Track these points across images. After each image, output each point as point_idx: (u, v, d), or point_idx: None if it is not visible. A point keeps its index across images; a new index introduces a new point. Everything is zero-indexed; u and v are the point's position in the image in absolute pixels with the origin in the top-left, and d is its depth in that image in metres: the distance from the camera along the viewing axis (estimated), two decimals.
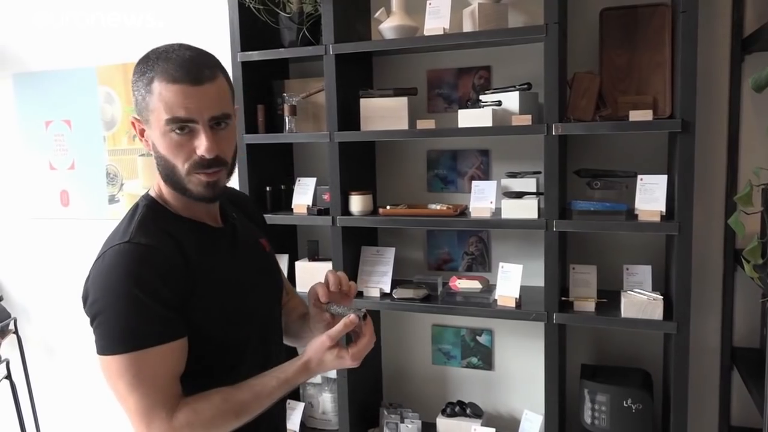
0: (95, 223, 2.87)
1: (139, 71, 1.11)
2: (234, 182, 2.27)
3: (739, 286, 1.98)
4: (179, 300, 1.09)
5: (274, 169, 2.37)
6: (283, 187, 2.33)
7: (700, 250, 2.00)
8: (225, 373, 1.16)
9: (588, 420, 1.92)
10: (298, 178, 2.28)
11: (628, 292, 1.88)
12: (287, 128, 2.18)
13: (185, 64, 1.07)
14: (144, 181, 2.75)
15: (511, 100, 1.96)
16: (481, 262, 2.29)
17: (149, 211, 1.16)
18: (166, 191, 1.17)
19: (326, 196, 2.16)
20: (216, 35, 2.41)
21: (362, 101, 2.08)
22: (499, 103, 1.94)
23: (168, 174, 1.12)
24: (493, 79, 2.19)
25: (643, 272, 1.95)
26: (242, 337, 1.21)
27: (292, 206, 2.24)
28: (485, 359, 2.34)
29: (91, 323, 1.08)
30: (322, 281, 1.29)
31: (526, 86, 1.99)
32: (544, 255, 1.89)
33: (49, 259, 3.03)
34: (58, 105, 2.85)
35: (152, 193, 1.20)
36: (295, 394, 2.43)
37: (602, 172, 1.94)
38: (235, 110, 1.18)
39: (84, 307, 1.10)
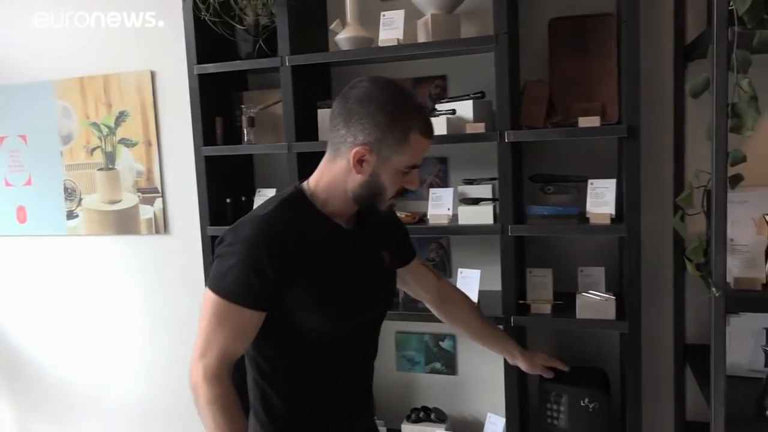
0: (53, 240, 2.83)
1: (392, 114, 1.25)
2: (191, 194, 2.27)
3: (689, 284, 2.04)
4: (278, 284, 1.24)
5: (235, 181, 2.37)
6: (243, 198, 2.33)
7: (652, 250, 2.06)
8: (306, 362, 1.33)
9: (548, 420, 1.96)
10: (258, 190, 2.29)
11: (583, 293, 1.93)
12: (245, 140, 2.18)
13: (431, 124, 1.30)
14: (103, 195, 2.72)
15: (465, 109, 2.00)
16: (442, 268, 2.31)
17: (294, 199, 1.33)
18: (330, 195, 1.32)
19: None
20: (173, 48, 2.42)
21: (320, 112, 2.10)
22: (453, 111, 1.98)
23: (371, 196, 1.30)
24: (449, 88, 2.23)
25: (597, 274, 2.00)
26: (331, 330, 1.32)
27: None
28: (449, 364, 2.36)
29: (213, 259, 1.29)
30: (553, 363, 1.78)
31: (479, 95, 2.03)
32: (501, 259, 1.92)
33: (6, 278, 2.97)
34: (14, 120, 2.81)
35: (305, 186, 1.35)
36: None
37: (555, 177, 1.99)
38: None
39: (216, 244, 1.29)
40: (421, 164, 1.32)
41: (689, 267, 1.53)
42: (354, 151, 1.25)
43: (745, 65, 1.41)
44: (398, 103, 1.26)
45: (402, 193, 1.33)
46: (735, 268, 1.52)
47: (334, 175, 1.31)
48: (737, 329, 1.83)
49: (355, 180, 1.28)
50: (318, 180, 1.34)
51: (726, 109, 1.42)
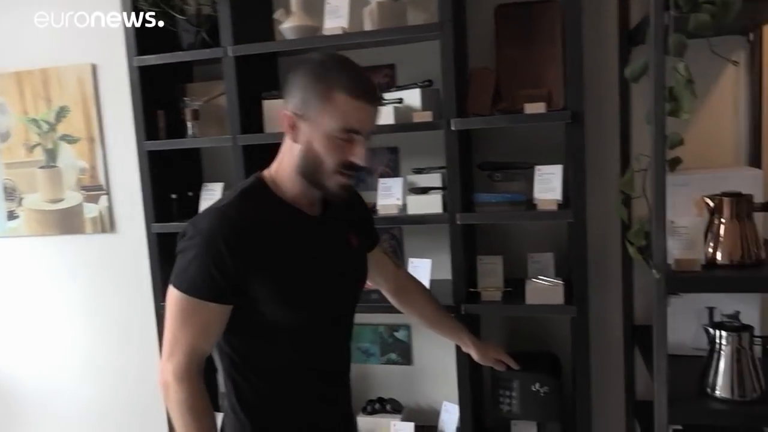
0: None
1: (312, 74, 1.22)
2: (137, 190, 2.20)
3: (637, 267, 2.08)
4: (239, 275, 1.21)
5: (181, 176, 2.31)
6: (190, 193, 2.28)
7: (600, 235, 2.09)
8: (275, 354, 1.30)
9: (500, 407, 1.97)
10: (204, 184, 2.24)
11: (532, 279, 1.94)
12: (189, 133, 2.13)
13: (366, 84, 1.23)
14: (45, 194, 2.62)
15: (413, 98, 1.99)
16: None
17: (254, 188, 1.30)
18: (286, 178, 1.29)
19: None
20: (115, 40, 2.33)
21: (265, 103, 2.06)
22: (401, 100, 1.97)
23: (311, 168, 1.25)
24: (397, 77, 2.21)
25: (546, 259, 2.02)
26: (298, 320, 1.29)
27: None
28: (404, 354, 2.36)
29: (176, 254, 1.25)
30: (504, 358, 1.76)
31: (427, 83, 2.02)
32: (450, 248, 1.92)
33: None
34: None
35: (266, 174, 1.32)
36: (216, 405, 2.38)
37: (503, 164, 1.99)
38: None
39: (178, 239, 1.26)
40: (362, 133, 1.24)
41: (630, 250, 1.55)
42: (281, 115, 1.25)
43: (681, 49, 1.42)
44: (326, 64, 1.23)
45: (351, 168, 1.26)
46: (675, 249, 1.55)
47: (286, 155, 1.30)
48: (682, 309, 1.86)
49: (296, 152, 1.26)
50: (277, 166, 1.32)
51: (663, 92, 1.43)
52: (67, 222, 2.62)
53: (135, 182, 2.22)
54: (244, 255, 1.21)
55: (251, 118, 2.08)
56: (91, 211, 2.59)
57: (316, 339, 1.35)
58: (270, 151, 2.21)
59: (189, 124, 2.13)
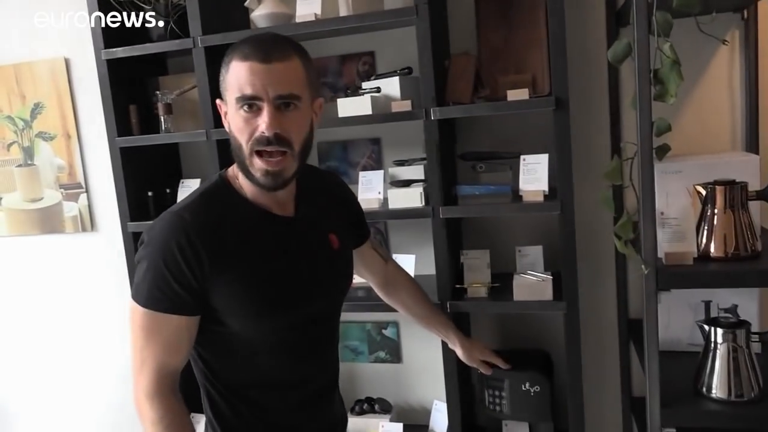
0: None
1: (226, 55, 1.13)
2: (109, 188, 2.13)
3: (631, 260, 1.98)
4: (199, 284, 1.12)
5: (158, 172, 2.24)
6: (168, 190, 2.20)
7: (592, 226, 2.00)
8: (247, 368, 1.21)
9: (489, 407, 1.90)
10: (182, 181, 2.16)
11: (521, 274, 1.86)
12: (163, 128, 2.05)
13: (258, 44, 1.10)
14: (24, 193, 2.56)
15: (392, 86, 1.90)
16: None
17: (216, 187, 1.20)
18: (240, 173, 1.18)
19: None
20: (86, 33, 2.25)
21: None
22: (378, 89, 1.88)
23: (236, 153, 1.14)
24: (377, 64, 2.12)
25: (535, 253, 1.93)
26: (269, 333, 1.20)
27: None
28: (393, 352, 2.29)
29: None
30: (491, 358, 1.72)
31: (406, 71, 1.93)
32: (433, 242, 1.84)
33: None
34: None
35: (230, 171, 1.22)
36: (199, 407, 2.32)
37: (486, 154, 1.90)
38: (315, 101, 1.19)
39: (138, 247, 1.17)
40: (263, 97, 1.08)
41: (617, 244, 1.46)
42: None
43: (666, 28, 1.32)
44: (241, 41, 1.14)
45: (263, 142, 1.09)
46: (665, 242, 1.45)
47: None
48: (677, 302, 1.78)
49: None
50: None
51: (648, 75, 1.34)
52: (47, 221, 2.56)
53: (113, 180, 2.15)
54: (201, 262, 1.11)
55: None
56: (71, 209, 2.53)
57: (293, 352, 1.24)
58: None
59: (162, 119, 2.05)
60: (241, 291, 1.15)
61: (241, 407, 1.23)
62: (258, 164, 1.12)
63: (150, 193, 2.15)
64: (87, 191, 2.50)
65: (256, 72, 1.08)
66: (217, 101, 1.18)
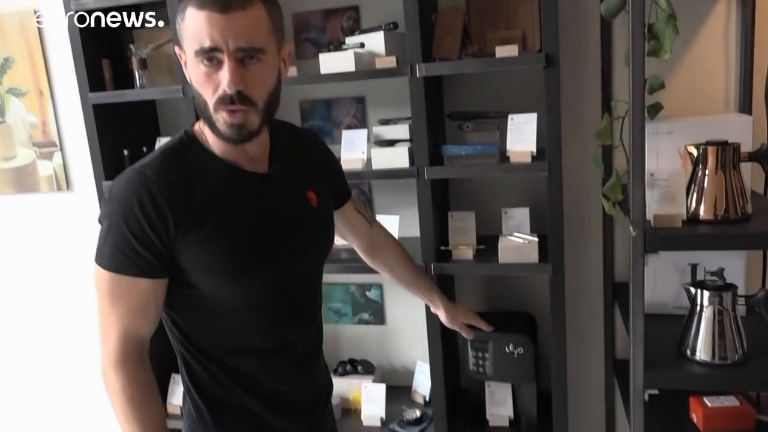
0: None
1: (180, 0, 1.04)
2: (84, 147, 2.06)
3: (618, 222, 1.96)
4: (164, 244, 1.06)
5: (134, 130, 2.16)
6: (145, 149, 2.13)
7: (579, 188, 1.96)
8: (222, 333, 1.16)
9: (473, 368, 1.89)
10: (158, 139, 2.09)
11: (507, 236, 1.83)
12: (138, 84, 1.97)
13: None
14: None
15: (377, 42, 1.82)
16: None
17: (182, 143, 1.13)
18: (206, 128, 1.11)
19: None
20: None
21: None
22: (362, 45, 1.81)
23: (201, 109, 1.07)
24: (362, 20, 2.04)
25: (522, 215, 1.90)
26: (243, 295, 1.14)
27: None
28: (376, 314, 2.27)
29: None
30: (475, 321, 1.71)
31: (392, 26, 1.85)
32: (418, 204, 1.80)
33: None
34: None
35: (196, 127, 1.15)
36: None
37: (474, 113, 1.85)
38: (283, 48, 1.11)
39: None
40: (223, 50, 1.00)
41: (606, 205, 1.43)
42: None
43: None
44: None
45: (227, 100, 1.02)
46: (655, 204, 1.42)
47: None
48: (664, 265, 1.76)
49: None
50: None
51: (642, 30, 1.28)
52: (21, 180, 2.48)
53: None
54: (166, 222, 1.04)
55: None
56: (45, 168, 2.45)
57: (272, 316, 1.18)
58: None
59: (137, 74, 1.97)
60: (211, 251, 1.08)
61: (219, 375, 1.17)
62: (223, 117, 1.05)
63: (126, 152, 2.08)
64: (62, 150, 2.42)
65: (213, 23, 0.99)
66: (176, 49, 1.10)
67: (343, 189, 1.44)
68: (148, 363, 1.13)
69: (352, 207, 1.48)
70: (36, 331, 2.68)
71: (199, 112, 1.08)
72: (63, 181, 2.44)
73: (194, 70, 1.04)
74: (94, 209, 2.35)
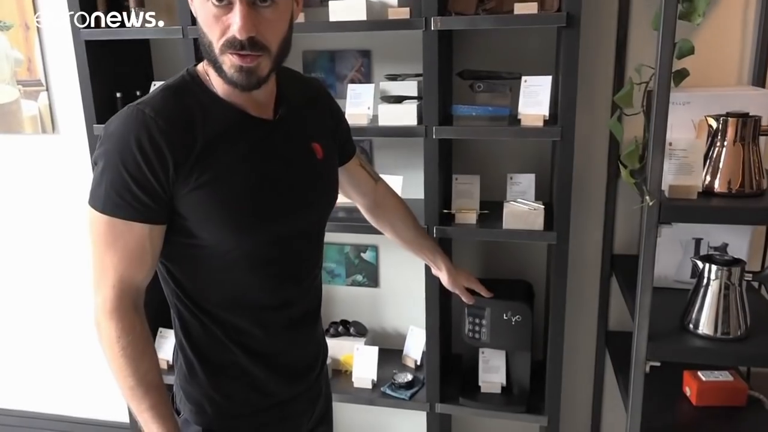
0: None
1: None
2: (72, 87, 1.96)
3: (621, 192, 1.94)
4: (163, 187, 1.00)
5: (127, 72, 2.06)
6: (138, 93, 2.03)
7: (585, 156, 1.93)
8: (220, 286, 1.11)
9: (469, 334, 1.87)
10: (154, 82, 1.99)
11: (511, 202, 1.79)
12: (133, 22, 1.86)
13: None
14: None
15: None
16: None
17: (184, 82, 1.07)
18: (211, 70, 1.04)
19: None
20: None
21: None
22: None
23: (205, 49, 1.01)
24: None
25: (527, 181, 1.86)
26: (244, 247, 1.09)
27: None
28: (370, 276, 2.23)
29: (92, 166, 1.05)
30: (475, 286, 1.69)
31: None
32: (424, 164, 1.75)
33: None
34: None
35: (200, 66, 1.09)
36: (169, 323, 2.25)
37: (486, 73, 1.78)
38: None
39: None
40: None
41: (623, 173, 1.40)
42: None
43: None
44: None
45: (237, 45, 0.97)
46: (671, 174, 1.39)
47: None
48: (666, 239, 1.72)
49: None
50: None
51: None
52: (3, 120, 2.36)
53: (77, 78, 1.97)
54: (166, 164, 0.99)
55: None
56: (30, 108, 2.33)
57: (274, 271, 1.14)
58: None
59: (133, 11, 1.86)
60: (213, 198, 1.03)
61: (215, 330, 1.13)
62: (230, 60, 0.99)
63: (119, 94, 1.98)
64: (47, 89, 2.30)
65: None
66: None
67: (349, 144, 1.39)
68: (143, 313, 1.08)
69: (358, 163, 1.43)
70: (17, 279, 2.60)
71: (204, 53, 1.02)
72: (48, 123, 2.33)
73: (202, 9, 0.98)
74: (81, 153, 2.26)
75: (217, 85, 1.06)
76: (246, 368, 1.16)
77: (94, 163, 1.02)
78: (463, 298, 1.70)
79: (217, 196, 1.03)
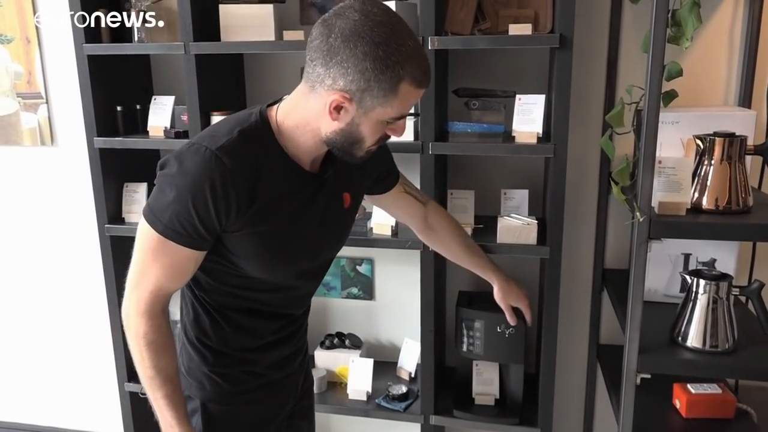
0: None
1: (377, 59, 1.01)
2: (77, 100, 1.98)
3: (612, 208, 1.98)
4: (221, 225, 1.11)
5: (128, 87, 2.09)
6: (138, 107, 2.07)
7: (577, 172, 1.97)
8: (242, 298, 1.25)
9: (464, 347, 1.90)
10: (154, 97, 2.02)
11: (505, 217, 1.83)
12: (136, 38, 1.90)
13: (427, 71, 1.08)
14: None
15: None
16: None
17: (256, 128, 1.14)
18: (298, 134, 1.14)
19: (185, 117, 1.93)
20: None
21: (222, 8, 1.83)
22: None
23: (348, 144, 1.12)
24: None
25: (520, 196, 1.90)
26: (275, 278, 1.24)
27: (148, 128, 1.99)
28: (366, 289, 2.26)
29: (155, 183, 1.12)
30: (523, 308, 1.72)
31: None
32: (420, 179, 1.79)
33: None
34: None
35: (273, 114, 1.16)
36: None
37: (481, 91, 1.83)
38: None
39: (158, 169, 1.13)
40: (408, 113, 1.13)
41: (614, 190, 1.44)
42: (332, 98, 1.05)
43: None
44: (392, 47, 1.01)
45: (384, 140, 1.16)
46: (660, 192, 1.44)
47: (306, 113, 1.11)
48: (656, 254, 1.78)
49: (330, 126, 1.10)
50: (287, 113, 1.14)
51: (666, 16, 1.28)
52: (3, 132, 2.38)
53: (77, 91, 2.00)
54: (230, 209, 1.09)
55: (207, 24, 1.86)
56: (29, 121, 2.36)
57: (289, 294, 1.31)
58: (226, 62, 2.03)
59: (135, 28, 1.89)
60: (261, 244, 1.16)
61: (222, 324, 1.27)
62: (372, 150, 1.16)
63: (119, 108, 2.01)
64: (47, 102, 2.33)
65: (421, 94, 1.10)
66: (340, 97, 1.04)
67: (391, 175, 1.49)
68: (168, 312, 1.20)
69: (401, 190, 1.52)
70: (16, 291, 2.60)
71: (339, 145, 1.12)
72: (47, 135, 2.36)
73: (376, 126, 1.10)
74: (80, 166, 2.28)
75: (287, 140, 1.15)
76: (244, 357, 1.30)
77: (160, 186, 1.11)
78: (507, 316, 1.74)
79: (264, 245, 1.16)
